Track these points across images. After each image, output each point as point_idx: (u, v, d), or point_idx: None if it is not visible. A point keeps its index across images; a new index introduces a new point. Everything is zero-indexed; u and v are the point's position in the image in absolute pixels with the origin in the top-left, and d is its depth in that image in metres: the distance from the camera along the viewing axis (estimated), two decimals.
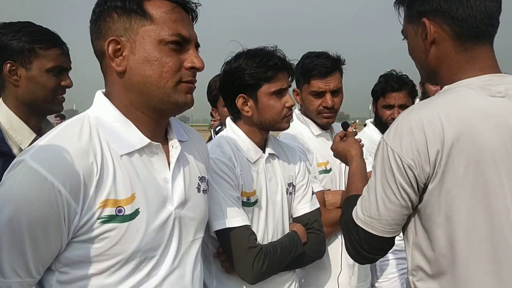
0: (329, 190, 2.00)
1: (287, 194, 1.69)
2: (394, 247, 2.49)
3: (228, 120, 1.71)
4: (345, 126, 1.85)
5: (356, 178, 1.56)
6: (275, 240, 1.61)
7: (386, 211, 1.13)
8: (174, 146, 1.15)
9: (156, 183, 1.08)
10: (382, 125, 2.58)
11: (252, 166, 1.61)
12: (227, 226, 1.45)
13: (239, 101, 1.59)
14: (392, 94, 2.52)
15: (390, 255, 2.52)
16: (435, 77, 1.23)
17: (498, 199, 1.05)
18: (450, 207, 1.06)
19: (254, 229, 1.55)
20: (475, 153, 1.05)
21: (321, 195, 1.92)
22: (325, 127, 2.12)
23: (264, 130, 1.65)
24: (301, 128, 2.09)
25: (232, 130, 1.66)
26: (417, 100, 3.25)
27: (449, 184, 1.06)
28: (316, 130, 2.09)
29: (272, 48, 1.61)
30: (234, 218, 1.46)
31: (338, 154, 1.76)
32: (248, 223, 1.50)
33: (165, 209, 1.09)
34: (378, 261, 2.39)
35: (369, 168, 2.05)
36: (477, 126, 1.07)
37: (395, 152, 1.09)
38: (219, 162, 1.50)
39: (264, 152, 1.66)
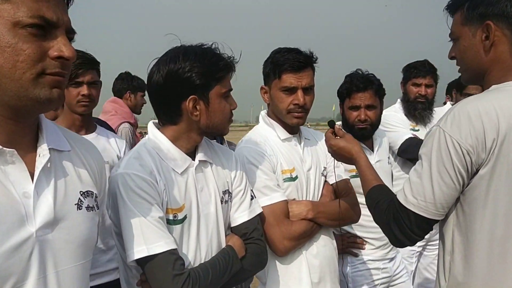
0: (293, 200, 1.86)
1: (222, 203, 1.54)
2: (367, 258, 2.43)
3: (151, 126, 1.54)
4: (331, 124, 1.87)
5: (370, 169, 1.61)
6: (210, 258, 1.46)
7: (442, 194, 1.22)
8: (42, 155, 0.97)
9: (10, 198, 0.90)
10: (349, 127, 2.44)
11: (179, 177, 1.45)
12: (148, 254, 1.29)
13: (190, 104, 1.42)
14: (357, 95, 2.39)
15: (360, 266, 2.42)
16: (483, 77, 1.32)
17: None
18: (498, 190, 1.17)
19: (184, 248, 1.42)
20: None
21: (284, 206, 1.78)
22: (293, 129, 1.96)
23: (202, 135, 1.52)
24: (266, 133, 1.93)
25: (154, 137, 1.49)
26: (398, 100, 3.17)
27: (499, 169, 1.16)
28: (283, 134, 1.93)
29: (214, 46, 1.47)
30: (156, 243, 1.30)
31: (341, 149, 1.73)
32: (174, 247, 1.34)
33: (21, 230, 0.89)
34: (350, 272, 2.30)
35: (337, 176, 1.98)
36: None
37: (453, 138, 1.18)
38: (137, 178, 1.33)
39: (193, 159, 1.50)
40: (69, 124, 2.15)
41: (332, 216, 1.86)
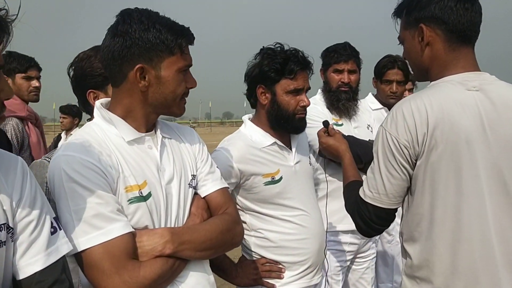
0: (145, 228, 1.30)
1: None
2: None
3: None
4: (326, 124, 2.06)
5: (352, 167, 1.82)
6: None
7: (391, 186, 1.38)
8: None
9: None
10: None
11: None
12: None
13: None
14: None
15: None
16: (427, 74, 1.48)
17: (467, 172, 1.30)
18: (432, 177, 1.32)
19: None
20: (452, 135, 1.30)
21: (127, 241, 1.22)
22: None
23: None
24: (102, 132, 1.35)
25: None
26: (319, 91, 2.78)
27: (432, 159, 1.31)
28: (129, 132, 1.36)
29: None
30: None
31: (329, 147, 2.00)
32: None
33: None
34: None
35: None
36: (454, 113, 1.31)
37: (392, 135, 1.35)
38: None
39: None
40: None
41: (204, 244, 1.35)
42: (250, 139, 1.98)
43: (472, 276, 1.29)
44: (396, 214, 1.46)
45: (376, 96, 3.27)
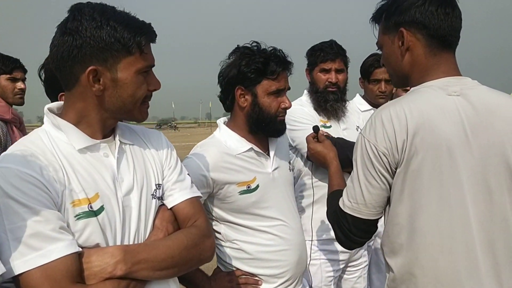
0: (96, 246, 1.17)
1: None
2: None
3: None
4: (316, 129, 2.01)
5: (337, 175, 1.77)
6: None
7: (370, 195, 1.32)
8: None
9: None
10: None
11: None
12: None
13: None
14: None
15: None
16: (407, 80, 1.44)
17: (449, 180, 1.24)
18: (413, 186, 1.26)
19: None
20: (433, 141, 1.25)
21: (70, 263, 1.08)
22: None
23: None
24: (50, 140, 1.22)
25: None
26: (305, 92, 2.67)
27: (412, 167, 1.25)
28: (81, 140, 1.23)
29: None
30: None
31: (317, 153, 1.95)
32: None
33: None
34: None
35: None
36: (435, 119, 1.27)
37: (371, 143, 1.30)
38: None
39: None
40: None
41: (164, 263, 1.22)
42: (225, 145, 1.87)
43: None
44: (378, 225, 1.39)
45: (364, 97, 3.13)
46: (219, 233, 1.88)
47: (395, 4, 1.39)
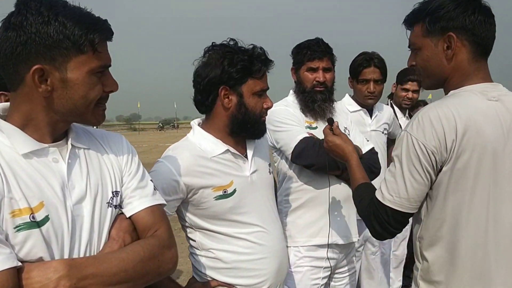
0: (40, 259, 1.07)
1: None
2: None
3: None
4: (331, 121, 1.99)
5: (360, 169, 1.76)
6: None
7: (413, 190, 1.39)
8: None
9: None
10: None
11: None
12: None
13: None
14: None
15: None
16: (443, 83, 1.51)
17: (490, 179, 1.36)
18: (458, 183, 1.35)
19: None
20: (478, 142, 1.34)
21: (6, 278, 0.98)
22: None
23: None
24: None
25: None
26: (291, 92, 2.55)
27: (458, 165, 1.34)
28: (27, 144, 1.13)
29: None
30: None
31: (336, 147, 1.91)
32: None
33: None
34: None
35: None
36: (479, 121, 1.36)
37: (419, 141, 1.36)
38: None
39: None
40: None
41: (116, 277, 1.12)
42: (199, 148, 1.77)
43: (488, 280, 1.36)
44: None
45: (353, 97, 3.03)
46: (194, 241, 1.78)
47: (442, 9, 1.44)
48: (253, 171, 1.83)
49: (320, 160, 2.18)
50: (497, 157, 1.36)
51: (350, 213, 2.39)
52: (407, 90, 3.59)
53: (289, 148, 2.27)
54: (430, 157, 1.35)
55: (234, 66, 1.71)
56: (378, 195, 1.46)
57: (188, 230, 1.79)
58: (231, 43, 1.80)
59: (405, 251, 3.64)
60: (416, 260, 1.49)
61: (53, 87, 1.11)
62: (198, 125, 1.87)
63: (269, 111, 2.50)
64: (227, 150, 1.78)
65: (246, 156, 1.84)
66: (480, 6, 1.44)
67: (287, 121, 2.33)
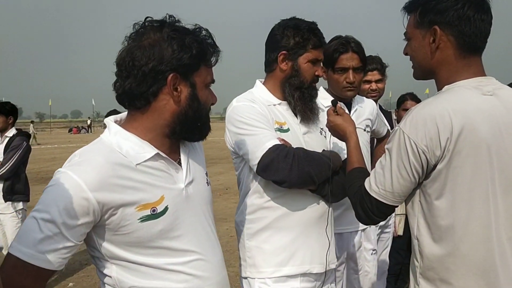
0: None
1: None
2: None
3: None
4: (334, 103, 1.98)
5: (357, 151, 1.81)
6: None
7: (399, 186, 1.42)
8: None
9: None
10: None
11: None
12: None
13: None
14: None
15: None
16: (432, 76, 1.52)
17: (487, 176, 1.36)
18: (455, 181, 1.35)
19: None
20: (473, 140, 1.34)
21: None
22: None
23: None
24: None
25: None
26: (257, 82, 2.08)
27: (455, 163, 1.35)
28: None
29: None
30: None
31: (337, 126, 1.91)
32: None
33: None
34: None
35: None
36: (475, 119, 1.35)
37: (411, 139, 1.36)
38: None
39: None
40: None
41: None
42: (118, 153, 1.30)
43: (493, 276, 1.35)
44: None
45: (328, 91, 2.56)
46: (110, 277, 1.34)
47: (433, 1, 1.44)
48: (188, 181, 1.42)
49: (293, 176, 1.73)
50: (492, 154, 1.36)
51: (328, 234, 1.95)
52: (369, 81, 3.29)
53: (255, 158, 1.80)
54: (420, 156, 1.36)
55: (187, 50, 1.31)
56: (366, 184, 1.51)
57: (101, 263, 1.33)
58: (170, 20, 1.34)
59: (387, 261, 3.30)
60: (414, 259, 1.49)
61: None
62: (115, 122, 1.39)
63: (230, 108, 2.02)
64: (157, 155, 1.34)
65: (179, 163, 1.40)
66: (471, 0, 1.41)
67: (253, 122, 1.86)
